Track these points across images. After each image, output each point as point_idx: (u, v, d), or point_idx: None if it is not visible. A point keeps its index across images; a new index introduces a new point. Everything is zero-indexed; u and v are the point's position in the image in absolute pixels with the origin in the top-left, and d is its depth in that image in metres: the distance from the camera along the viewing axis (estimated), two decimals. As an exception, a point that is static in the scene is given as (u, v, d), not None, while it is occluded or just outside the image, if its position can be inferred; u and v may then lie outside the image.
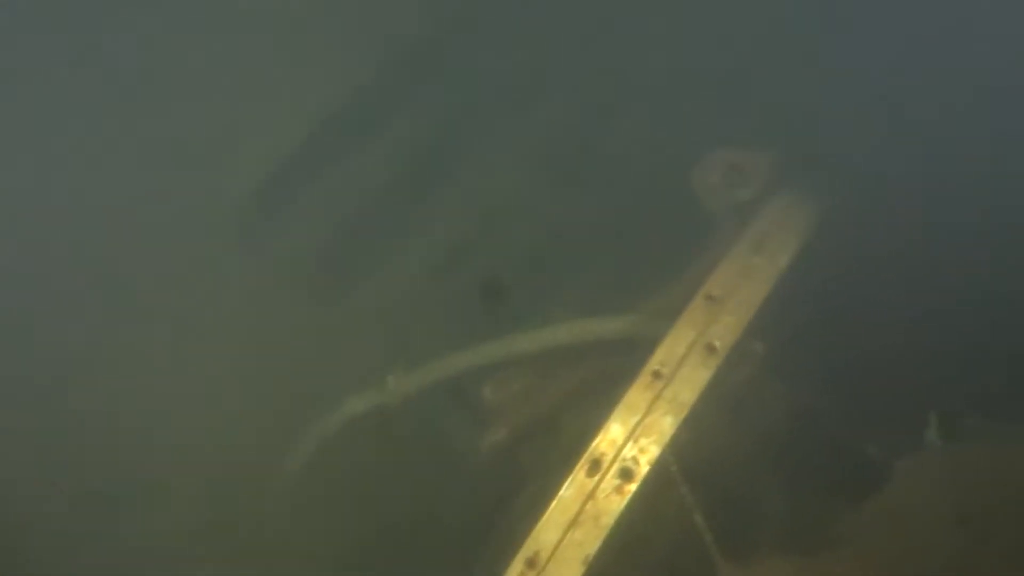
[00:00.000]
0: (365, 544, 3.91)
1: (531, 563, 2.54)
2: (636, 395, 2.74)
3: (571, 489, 2.66)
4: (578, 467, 2.71)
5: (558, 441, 3.25)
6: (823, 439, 3.28)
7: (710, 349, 2.73)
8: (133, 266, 4.51)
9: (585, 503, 2.61)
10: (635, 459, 2.65)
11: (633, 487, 2.65)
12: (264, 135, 4.57)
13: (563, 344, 3.36)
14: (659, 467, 2.68)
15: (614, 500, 2.62)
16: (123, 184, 4.50)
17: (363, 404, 3.96)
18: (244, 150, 4.58)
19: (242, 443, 4.17)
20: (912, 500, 2.82)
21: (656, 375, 2.71)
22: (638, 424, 2.70)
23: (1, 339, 4.33)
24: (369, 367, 4.12)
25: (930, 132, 3.33)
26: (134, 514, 4.29)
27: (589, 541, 2.55)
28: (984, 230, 3.17)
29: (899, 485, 2.95)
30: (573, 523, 2.58)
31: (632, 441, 2.68)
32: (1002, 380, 3.08)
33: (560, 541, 2.56)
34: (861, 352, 3.35)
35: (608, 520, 2.58)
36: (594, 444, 2.73)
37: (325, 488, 4.11)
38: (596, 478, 2.67)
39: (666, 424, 2.68)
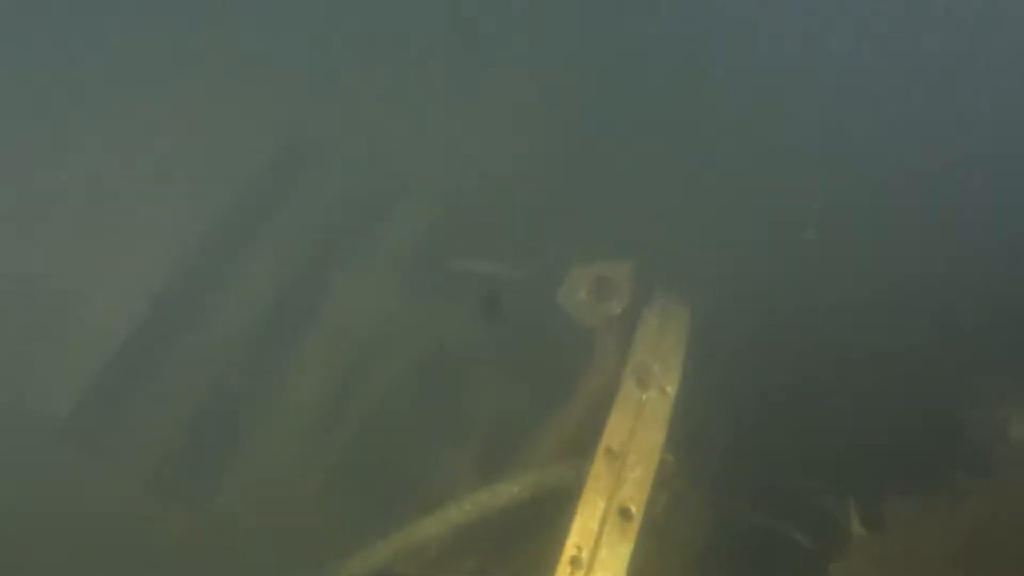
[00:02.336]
0: None
1: None
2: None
3: None
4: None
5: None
6: (753, 535, 3.14)
7: (625, 515, 2.49)
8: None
9: None
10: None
11: None
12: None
13: (468, 521, 3.01)
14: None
15: None
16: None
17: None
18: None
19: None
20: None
21: (575, 563, 2.41)
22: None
23: None
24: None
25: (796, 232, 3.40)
26: None
27: None
28: (861, 318, 3.22)
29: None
30: None
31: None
32: (909, 460, 3.07)
33: None
34: (770, 447, 3.25)
35: None
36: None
37: None
38: None
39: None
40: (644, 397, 2.75)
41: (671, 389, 2.77)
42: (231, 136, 4.98)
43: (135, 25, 4.78)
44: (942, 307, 3.55)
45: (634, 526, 2.47)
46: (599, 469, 2.56)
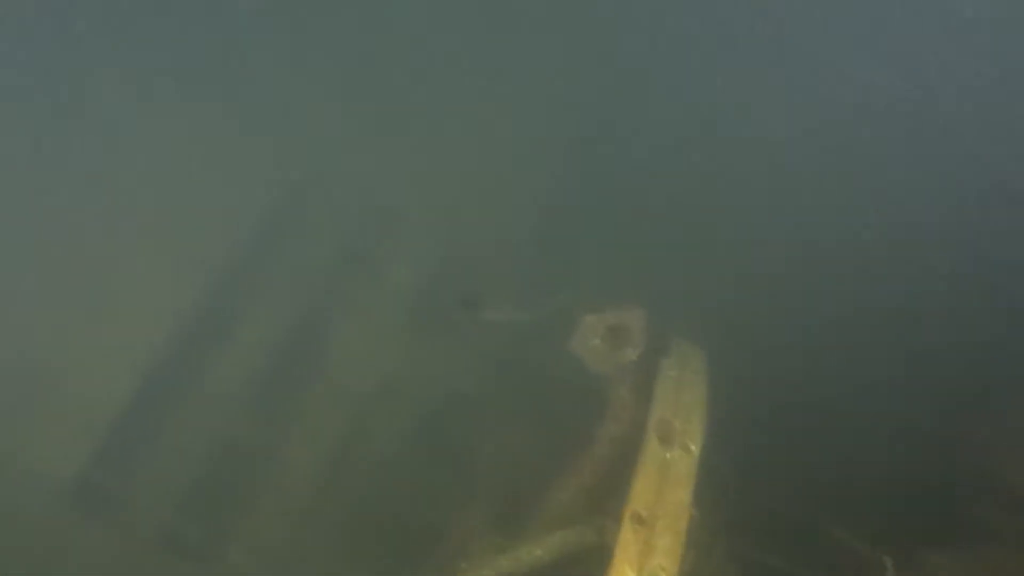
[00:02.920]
0: None
1: None
2: None
3: None
4: None
5: None
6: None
7: (657, 585, 2.38)
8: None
9: None
10: None
11: None
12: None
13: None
14: None
15: None
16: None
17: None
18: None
19: None
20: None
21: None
22: None
23: None
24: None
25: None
26: None
27: None
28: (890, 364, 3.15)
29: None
30: None
31: None
32: (943, 504, 2.98)
33: None
34: (800, 498, 3.15)
35: None
36: None
37: None
38: None
39: None
40: (668, 456, 2.66)
41: (695, 446, 2.68)
42: (228, 184, 4.94)
43: (123, 80, 4.77)
44: (974, 345, 3.48)
45: (668, 596, 2.36)
46: (627, 537, 2.46)
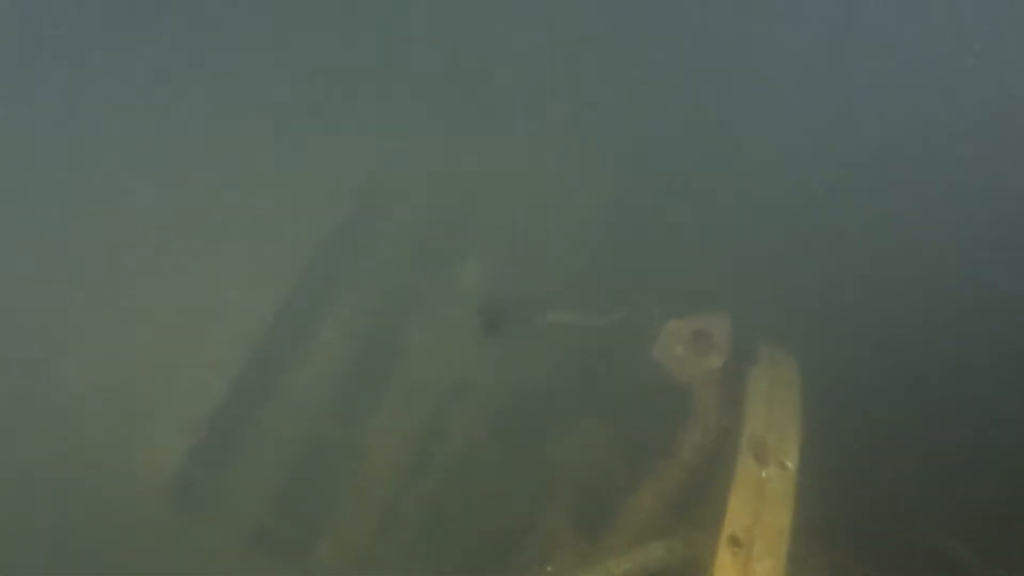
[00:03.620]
0: None
1: None
2: None
3: None
4: None
5: None
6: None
7: (756, 613, 2.32)
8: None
9: None
10: None
11: None
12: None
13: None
14: None
15: None
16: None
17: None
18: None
19: None
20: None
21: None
22: None
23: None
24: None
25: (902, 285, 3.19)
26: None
27: None
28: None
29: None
30: None
31: None
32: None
33: None
34: (904, 514, 3.02)
35: None
36: None
37: None
38: None
39: None
40: (764, 475, 2.58)
41: (791, 463, 2.59)
42: (300, 191, 5.04)
43: (193, 81, 4.89)
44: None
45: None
46: (724, 560, 2.40)
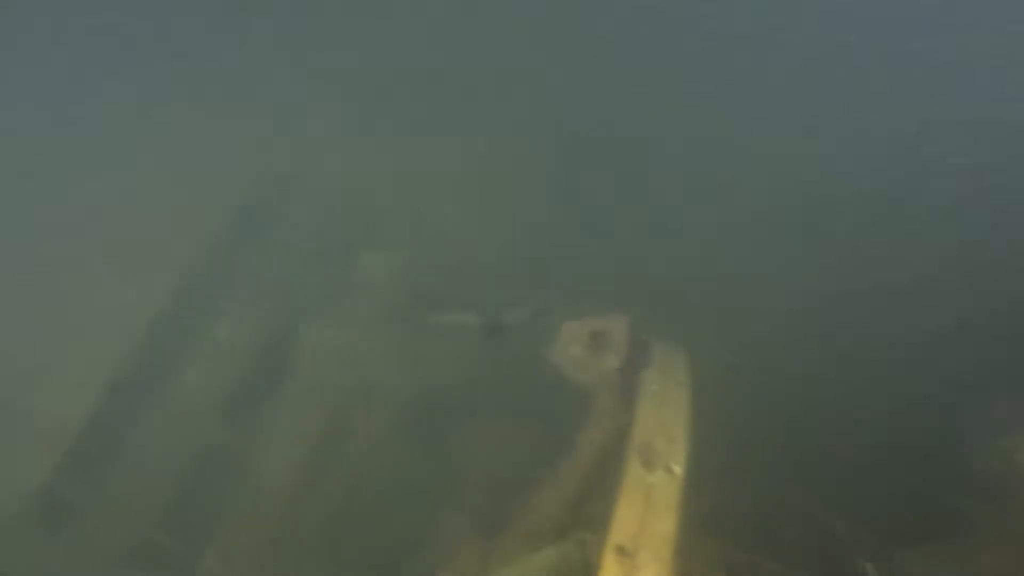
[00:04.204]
0: None
1: None
2: None
3: None
4: None
5: None
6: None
7: (641, 622, 2.33)
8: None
9: None
10: None
11: None
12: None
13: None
14: None
15: None
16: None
17: None
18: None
19: None
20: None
21: None
22: None
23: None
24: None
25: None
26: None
27: None
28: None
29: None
30: None
31: None
32: (924, 501, 2.98)
33: None
34: (784, 512, 3.12)
35: None
36: None
37: None
38: None
39: None
40: (651, 480, 2.59)
41: (678, 467, 2.61)
42: (202, 183, 4.75)
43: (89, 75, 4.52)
44: (945, 338, 3.45)
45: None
46: (611, 571, 2.39)
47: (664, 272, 3.43)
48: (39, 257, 4.40)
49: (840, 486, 3.26)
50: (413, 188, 4.65)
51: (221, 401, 4.48)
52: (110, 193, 4.58)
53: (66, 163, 4.54)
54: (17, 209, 4.36)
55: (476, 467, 3.96)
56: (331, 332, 4.68)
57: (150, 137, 4.70)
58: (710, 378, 3.08)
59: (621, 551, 2.42)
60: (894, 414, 3.49)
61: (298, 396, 4.52)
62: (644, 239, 3.52)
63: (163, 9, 4.67)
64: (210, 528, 4.15)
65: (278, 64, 4.65)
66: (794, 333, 3.33)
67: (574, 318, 3.27)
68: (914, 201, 3.60)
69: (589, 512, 3.01)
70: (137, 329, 4.37)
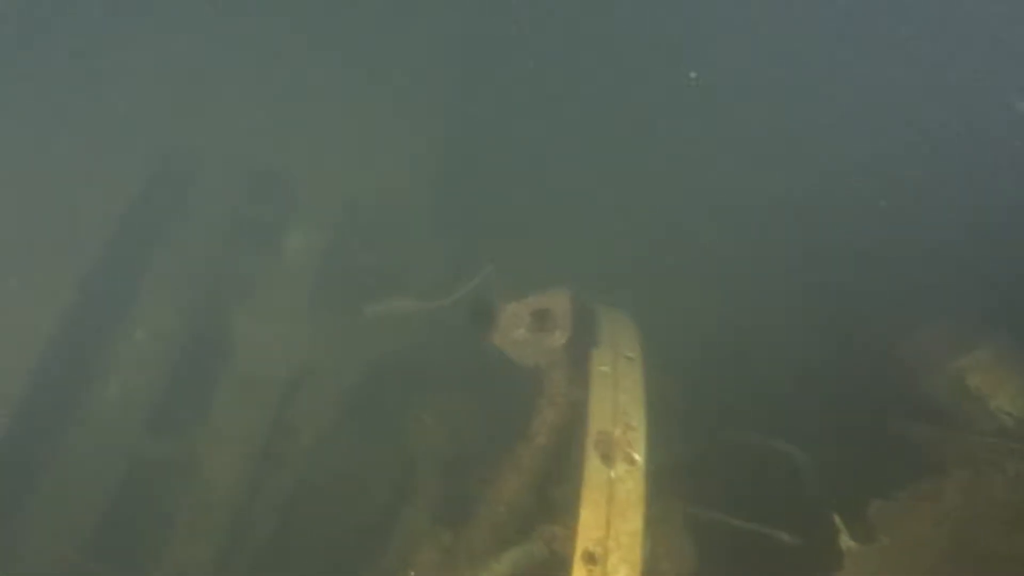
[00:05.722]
0: None
1: None
2: None
3: None
4: None
5: None
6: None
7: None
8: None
9: None
10: None
11: None
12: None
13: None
14: None
15: None
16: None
17: None
18: None
19: None
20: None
21: None
22: None
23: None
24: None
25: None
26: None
27: None
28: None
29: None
30: None
31: None
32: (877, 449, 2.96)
33: None
34: (742, 468, 3.06)
35: None
36: None
37: None
38: None
39: None
40: (613, 475, 2.44)
41: (639, 455, 2.46)
42: (100, 169, 4.25)
43: None
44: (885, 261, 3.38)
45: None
46: (580, 577, 2.26)
47: (603, 242, 3.22)
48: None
49: (801, 435, 3.21)
50: (333, 161, 4.27)
51: (148, 410, 4.15)
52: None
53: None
54: None
55: (430, 453, 3.79)
56: (261, 323, 4.35)
57: (39, 119, 4.15)
58: (659, 343, 2.94)
59: (590, 558, 2.29)
60: (843, 350, 3.43)
61: (232, 395, 4.22)
62: (583, 210, 3.29)
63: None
64: (149, 549, 3.89)
65: (177, 31, 4.13)
66: (735, 281, 3.20)
67: (514, 298, 3.04)
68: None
69: (552, 496, 2.88)
70: (41, 339, 3.94)
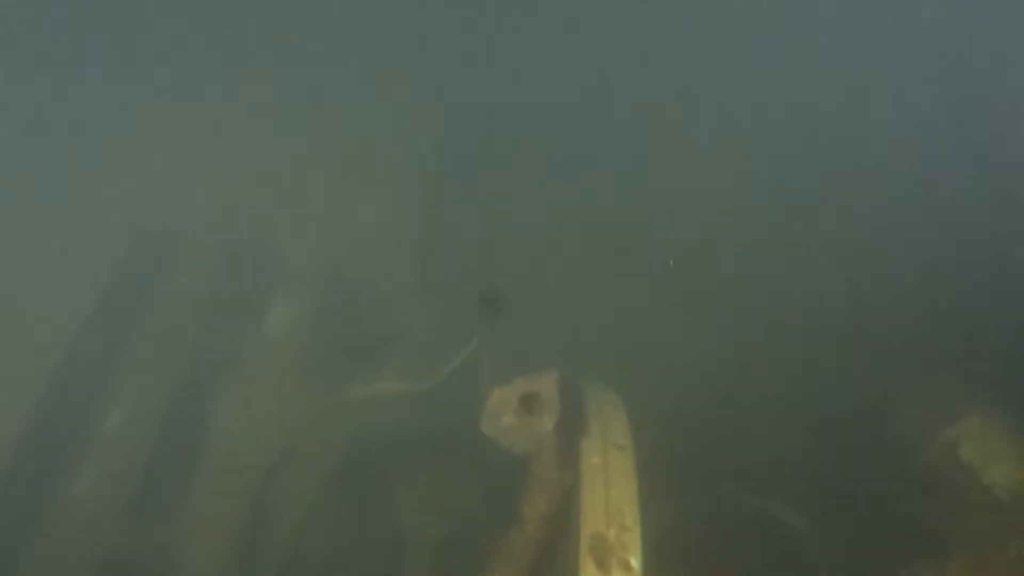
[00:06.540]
0: None
1: None
2: None
3: None
4: None
5: None
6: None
7: None
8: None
9: None
10: None
11: None
12: None
13: None
14: None
15: None
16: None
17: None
18: None
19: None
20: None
21: None
22: None
23: None
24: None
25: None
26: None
27: None
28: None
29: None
30: None
31: None
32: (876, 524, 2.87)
33: None
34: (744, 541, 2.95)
35: None
36: None
37: None
38: None
39: None
40: (607, 581, 2.31)
41: (636, 562, 2.34)
42: (74, 247, 4.17)
43: None
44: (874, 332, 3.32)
45: None
46: None
47: (592, 323, 3.15)
48: None
49: (804, 506, 3.10)
50: (313, 233, 4.20)
51: (124, 499, 3.97)
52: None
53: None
54: None
55: (420, 535, 3.64)
56: (241, 404, 4.22)
57: (12, 194, 4.08)
58: (647, 420, 2.84)
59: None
60: (836, 419, 3.35)
61: (213, 482, 4.06)
62: (569, 289, 3.23)
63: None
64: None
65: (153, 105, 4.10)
66: (737, 385, 3.13)
67: (500, 381, 2.95)
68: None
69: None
70: (12, 427, 3.80)
